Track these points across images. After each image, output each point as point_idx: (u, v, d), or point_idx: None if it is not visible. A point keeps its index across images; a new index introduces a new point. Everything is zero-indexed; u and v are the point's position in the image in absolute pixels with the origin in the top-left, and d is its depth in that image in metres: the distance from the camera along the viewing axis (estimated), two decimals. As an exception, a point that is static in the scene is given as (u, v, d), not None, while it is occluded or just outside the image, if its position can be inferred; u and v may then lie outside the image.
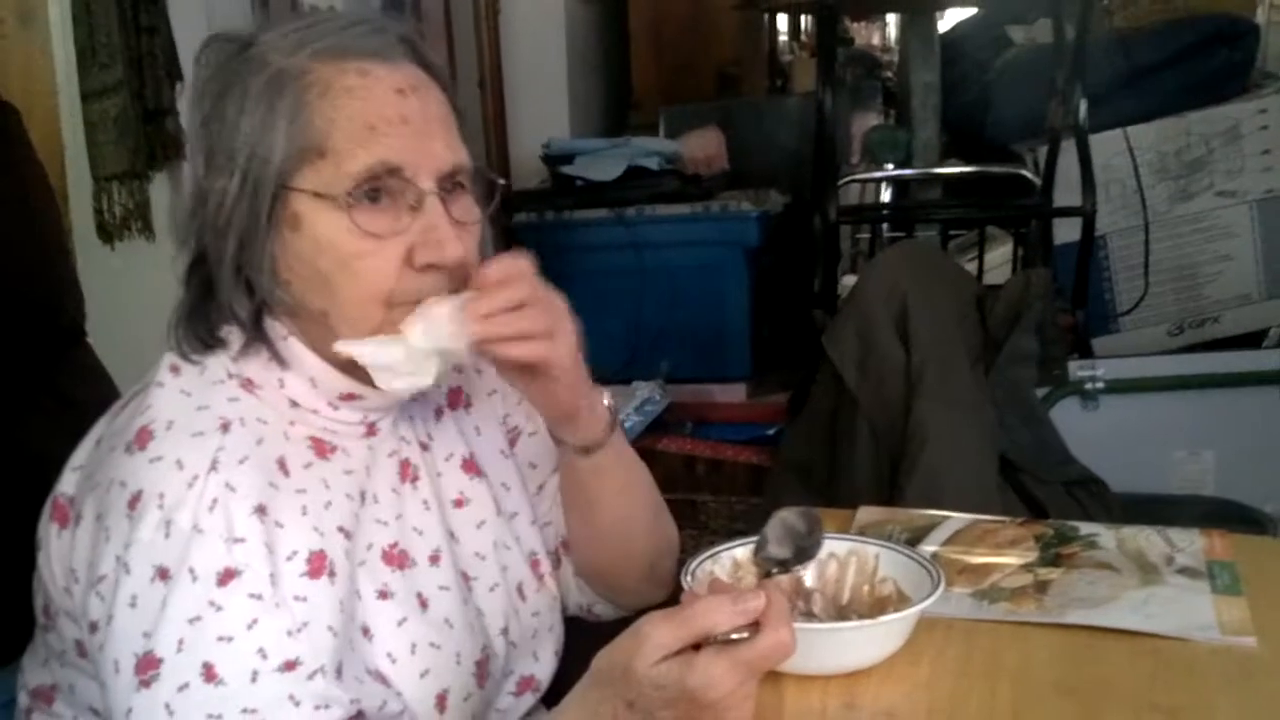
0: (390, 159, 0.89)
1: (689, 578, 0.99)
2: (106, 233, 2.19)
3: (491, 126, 3.22)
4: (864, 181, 3.13)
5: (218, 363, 0.94)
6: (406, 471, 1.03)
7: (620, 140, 3.08)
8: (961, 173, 3.09)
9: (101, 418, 0.98)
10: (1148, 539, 1.18)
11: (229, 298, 0.92)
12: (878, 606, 1.01)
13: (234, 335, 0.95)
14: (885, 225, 3.15)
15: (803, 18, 4.94)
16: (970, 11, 3.53)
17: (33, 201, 1.33)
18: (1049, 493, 1.84)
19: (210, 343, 0.94)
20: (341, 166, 0.89)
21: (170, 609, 0.83)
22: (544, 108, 3.46)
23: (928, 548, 1.17)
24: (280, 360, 0.95)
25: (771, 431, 2.70)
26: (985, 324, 1.93)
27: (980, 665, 0.98)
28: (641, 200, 2.89)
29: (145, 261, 2.23)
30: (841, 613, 1.02)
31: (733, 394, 2.90)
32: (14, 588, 1.01)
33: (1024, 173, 2.84)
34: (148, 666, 0.83)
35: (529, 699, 1.10)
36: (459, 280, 0.93)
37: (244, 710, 0.83)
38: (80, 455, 0.97)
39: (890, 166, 3.03)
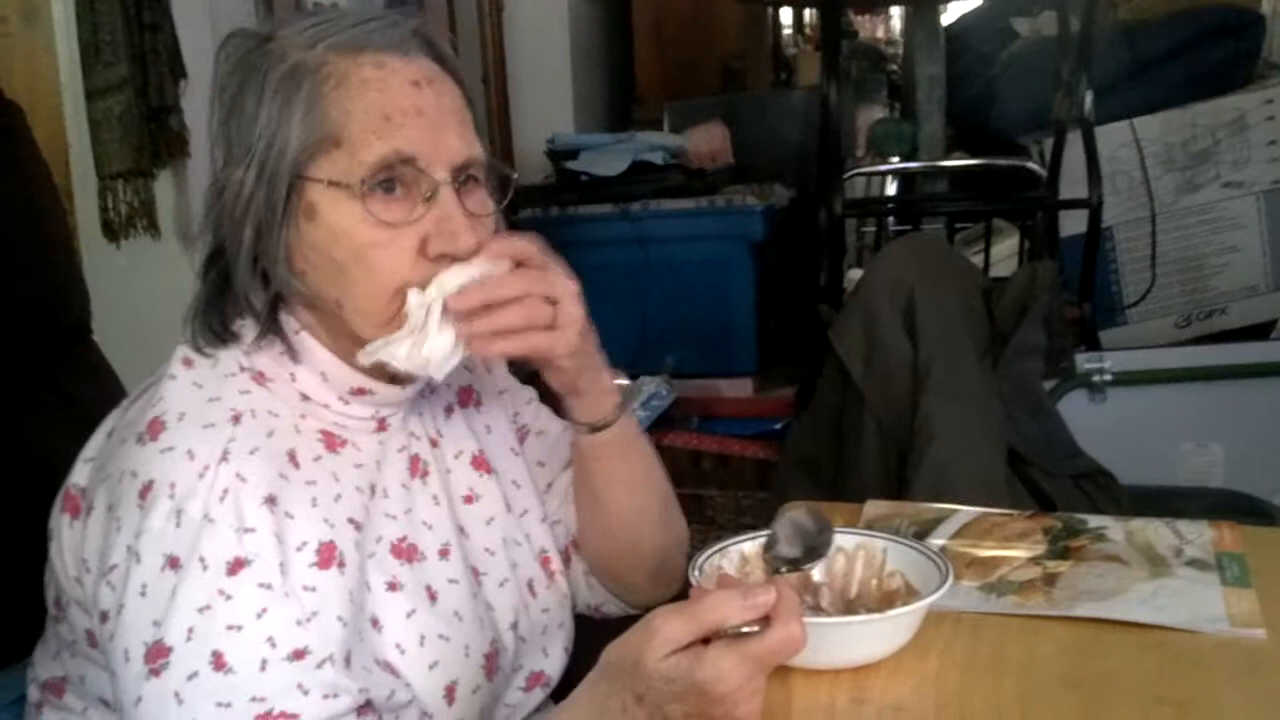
0: (405, 149, 0.90)
1: (697, 572, 0.99)
2: (112, 230, 2.20)
3: (496, 122, 3.22)
4: (869, 175, 3.13)
5: (230, 356, 0.95)
6: (416, 467, 1.03)
7: (625, 135, 3.08)
8: (967, 165, 3.08)
9: (114, 410, 0.99)
10: (1156, 531, 1.18)
11: (245, 288, 0.93)
12: (886, 600, 1.01)
13: (247, 329, 0.96)
14: (891, 219, 3.14)
15: (807, 11, 4.92)
16: (975, 4, 3.53)
17: (37, 200, 1.33)
18: (1057, 486, 1.83)
19: (224, 336, 0.95)
20: (356, 156, 0.90)
21: (180, 598, 0.84)
22: (548, 103, 3.46)
23: (936, 541, 1.16)
24: (292, 354, 0.96)
25: (778, 426, 2.70)
26: (992, 317, 1.92)
27: (988, 658, 0.98)
28: (646, 195, 2.89)
29: (150, 259, 2.23)
30: (849, 607, 1.02)
31: (739, 389, 2.90)
32: (20, 585, 1.02)
33: (1030, 165, 2.83)
34: (157, 655, 0.84)
35: (539, 694, 1.10)
36: None
37: (253, 699, 0.84)
38: (92, 447, 0.98)
39: (895, 160, 3.03)
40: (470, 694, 1.00)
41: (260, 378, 0.95)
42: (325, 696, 0.86)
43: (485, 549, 1.06)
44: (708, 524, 2.59)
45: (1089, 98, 2.56)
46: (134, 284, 2.13)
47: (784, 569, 0.93)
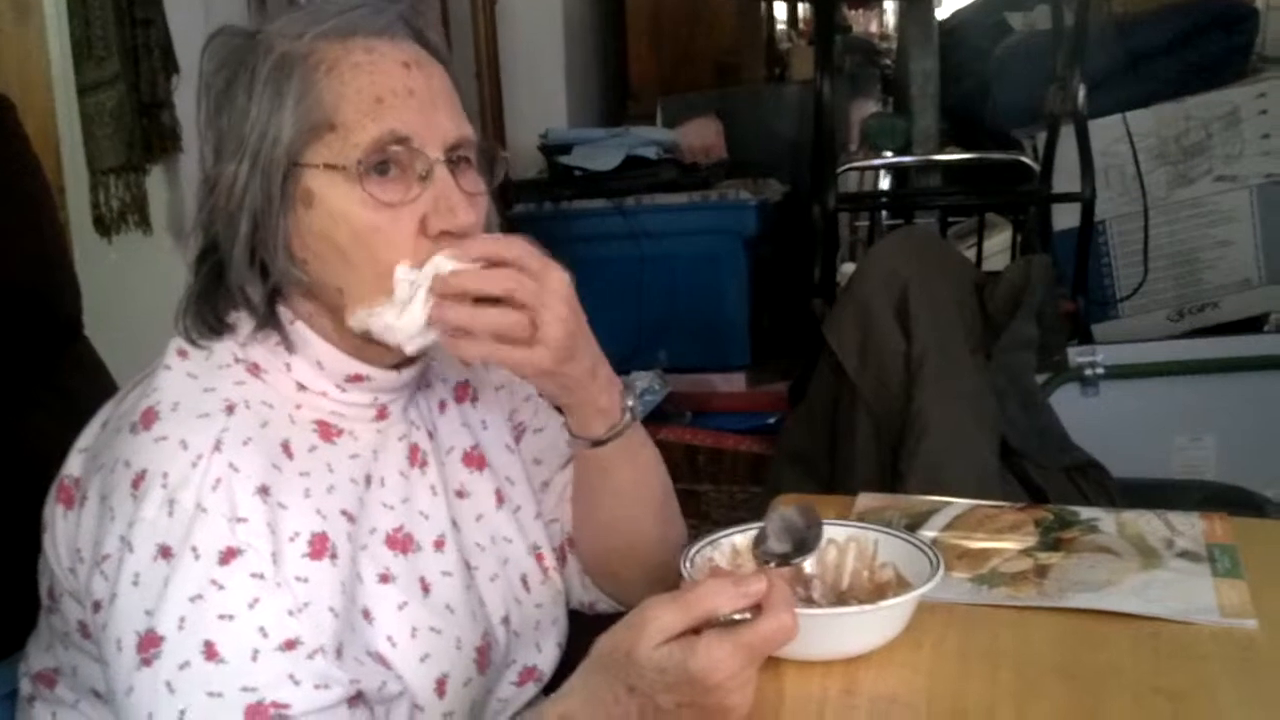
0: (399, 129, 0.91)
1: (688, 564, 0.99)
2: (104, 226, 2.19)
3: (489, 117, 3.21)
4: (863, 169, 3.13)
5: (224, 348, 0.96)
6: (416, 456, 1.03)
7: (618, 130, 3.08)
8: (961, 160, 3.08)
9: (108, 401, 0.99)
10: (1148, 523, 1.18)
11: (242, 281, 0.93)
12: (877, 592, 1.01)
13: (242, 321, 0.96)
14: (884, 213, 3.14)
15: (800, 6, 4.93)
16: (968, -2, 3.53)
17: (29, 196, 1.32)
18: (1049, 479, 1.83)
19: (218, 328, 0.96)
20: (351, 138, 0.90)
21: (172, 587, 0.84)
22: (541, 98, 3.45)
23: (927, 533, 1.17)
24: (288, 344, 0.96)
25: (772, 420, 2.70)
26: (985, 311, 1.92)
27: (980, 650, 0.98)
28: (640, 190, 2.89)
29: (142, 255, 2.23)
30: (841, 598, 1.02)
31: (733, 383, 2.90)
32: (14, 580, 1.02)
33: (1023, 159, 2.83)
34: (149, 644, 0.84)
35: (531, 689, 1.10)
36: None
37: (244, 688, 0.84)
38: (86, 437, 0.98)
39: (889, 154, 3.02)
40: (461, 687, 1.00)
41: (255, 369, 0.95)
42: (316, 687, 0.86)
43: (476, 544, 1.06)
44: (701, 519, 2.58)
45: (1082, 92, 2.55)
46: (126, 279, 2.13)
47: (773, 564, 0.93)
